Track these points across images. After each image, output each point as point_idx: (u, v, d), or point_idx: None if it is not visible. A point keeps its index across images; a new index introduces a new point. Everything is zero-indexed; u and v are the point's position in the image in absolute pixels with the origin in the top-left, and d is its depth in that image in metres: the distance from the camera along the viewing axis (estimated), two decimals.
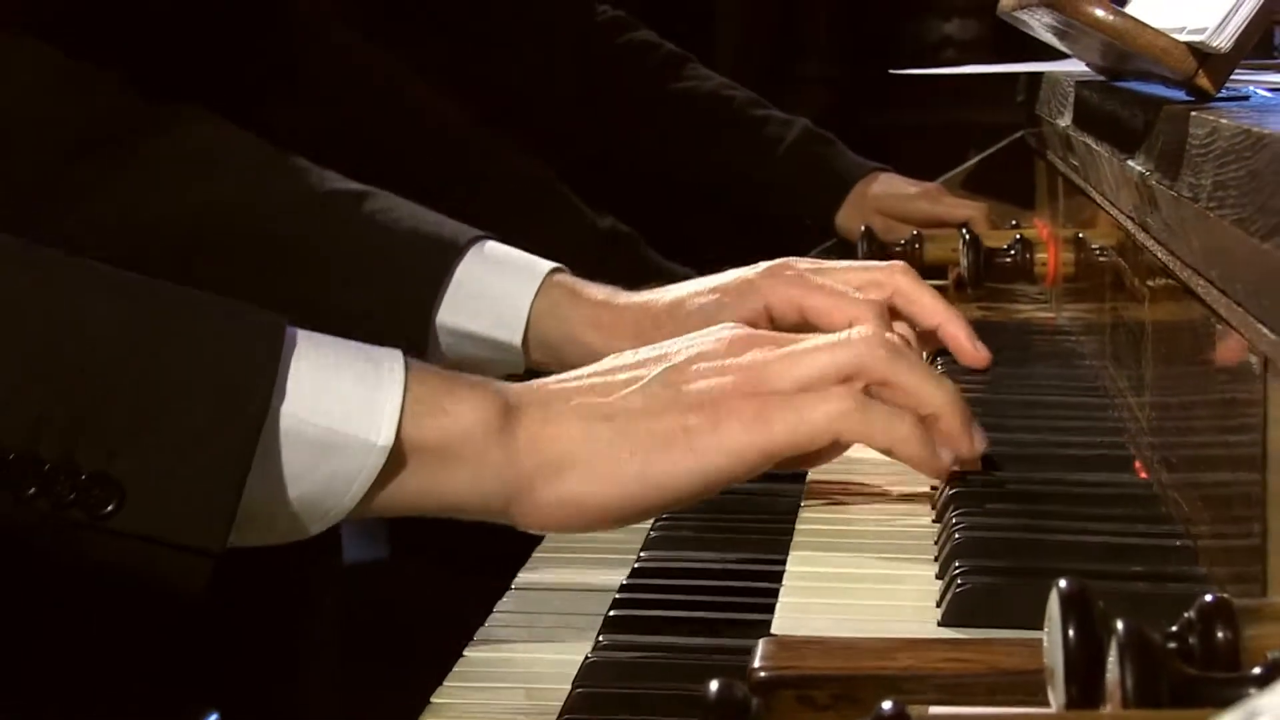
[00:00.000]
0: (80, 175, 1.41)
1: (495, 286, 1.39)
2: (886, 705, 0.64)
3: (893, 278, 1.37)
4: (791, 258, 1.40)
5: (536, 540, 1.32)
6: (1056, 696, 0.74)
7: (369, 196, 1.43)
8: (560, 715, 1.04)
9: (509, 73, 2.20)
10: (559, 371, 1.38)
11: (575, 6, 2.21)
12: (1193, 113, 0.94)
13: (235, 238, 1.43)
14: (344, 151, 1.90)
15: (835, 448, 1.08)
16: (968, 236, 1.86)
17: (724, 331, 1.08)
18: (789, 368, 1.04)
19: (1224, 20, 0.95)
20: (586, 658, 1.12)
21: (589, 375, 1.07)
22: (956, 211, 2.05)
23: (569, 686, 1.07)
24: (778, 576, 1.06)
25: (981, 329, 1.74)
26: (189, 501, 0.95)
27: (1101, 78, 1.47)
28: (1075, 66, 1.74)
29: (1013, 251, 1.84)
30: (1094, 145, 1.31)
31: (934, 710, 0.65)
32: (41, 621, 1.86)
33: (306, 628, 2.07)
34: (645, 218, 2.09)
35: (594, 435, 1.02)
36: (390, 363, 1.01)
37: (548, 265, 1.40)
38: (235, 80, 1.91)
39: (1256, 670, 0.68)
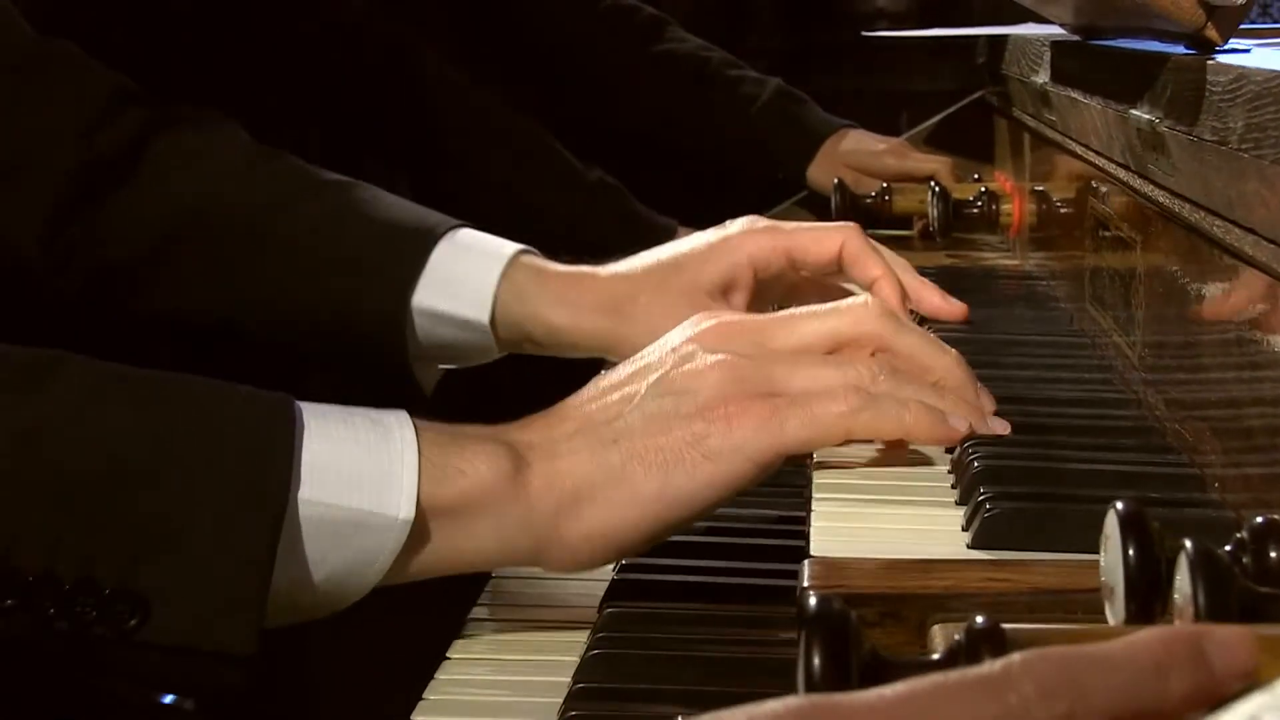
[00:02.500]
0: (94, 182, 1.36)
1: (464, 270, 1.31)
2: (979, 620, 0.62)
3: (848, 228, 1.31)
4: (754, 216, 1.34)
5: None
6: (1115, 613, 0.72)
7: (353, 188, 1.37)
8: (591, 636, 1.02)
9: (501, 36, 2.18)
10: (531, 353, 1.35)
11: None
12: (1210, 60, 0.92)
13: (221, 231, 1.36)
14: None
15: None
16: (937, 189, 1.85)
17: (695, 327, 1.02)
18: (793, 374, 0.99)
19: None
20: (613, 579, 1.10)
21: (582, 403, 1.00)
22: (923, 166, 2.03)
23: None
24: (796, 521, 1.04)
25: (953, 274, 1.73)
26: (215, 606, 0.88)
27: (1075, 37, 1.45)
28: (1034, 30, 1.73)
29: (979, 203, 1.83)
30: (1081, 99, 1.28)
31: (1020, 625, 0.63)
32: None
33: None
34: (627, 172, 2.07)
35: (604, 462, 0.96)
36: (400, 430, 0.94)
37: (514, 248, 1.32)
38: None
39: None
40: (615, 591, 1.07)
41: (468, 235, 1.34)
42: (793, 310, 1.06)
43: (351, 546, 0.92)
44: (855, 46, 3.49)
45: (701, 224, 2.06)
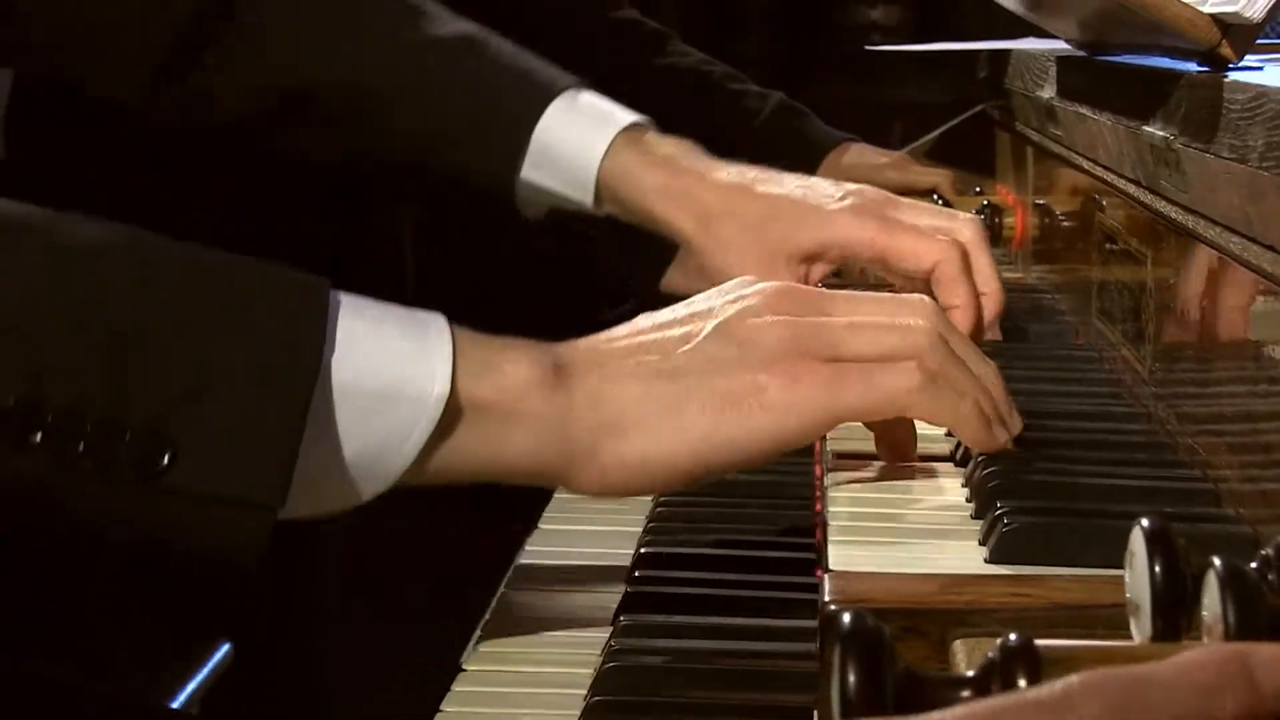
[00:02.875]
0: (194, 47, 1.37)
1: (569, 146, 1.38)
2: (1013, 637, 0.62)
3: (965, 230, 1.30)
4: (870, 188, 1.35)
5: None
6: (1141, 630, 0.72)
7: (469, 46, 1.42)
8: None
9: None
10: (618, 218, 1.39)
11: None
12: (1226, 78, 0.92)
13: (336, 93, 1.40)
14: None
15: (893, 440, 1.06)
16: (940, 202, 1.85)
17: (759, 286, 1.00)
18: (852, 337, 0.98)
19: None
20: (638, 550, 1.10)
21: (637, 334, 0.98)
22: (924, 179, 2.03)
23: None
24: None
25: None
26: (245, 454, 0.86)
27: (1080, 53, 1.44)
28: (1037, 45, 1.72)
29: (982, 216, 1.82)
30: (1089, 114, 1.28)
31: (1051, 642, 0.63)
32: (59, 559, 1.83)
33: (310, 565, 2.04)
34: None
35: (657, 394, 0.94)
36: (436, 322, 0.93)
37: (625, 120, 1.39)
38: None
39: None
40: (629, 603, 1.07)
41: (578, 101, 1.40)
42: (857, 300, 1.03)
43: (383, 420, 0.89)
44: (848, 58, 3.50)
45: None
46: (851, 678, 0.59)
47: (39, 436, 0.83)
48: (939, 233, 1.28)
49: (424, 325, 0.92)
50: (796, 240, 1.31)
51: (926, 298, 1.03)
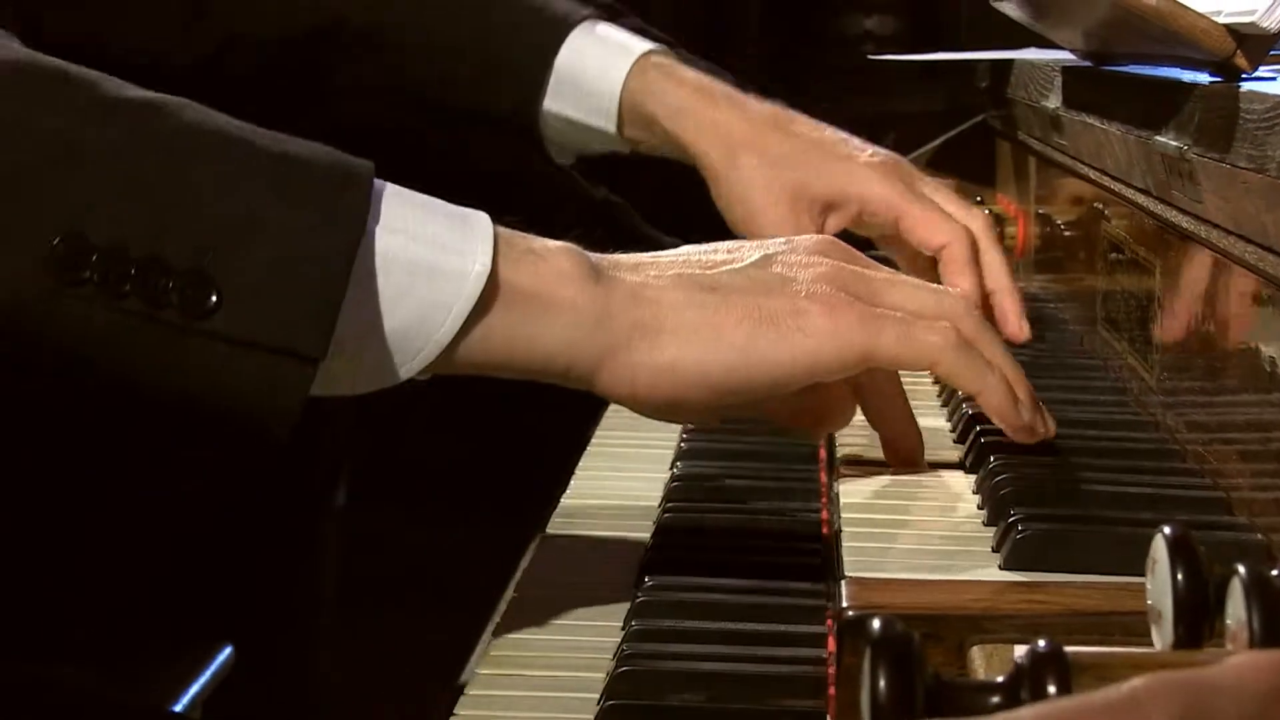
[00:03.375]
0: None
1: (591, 73, 1.38)
2: (1042, 643, 0.61)
3: (977, 221, 1.31)
4: (900, 157, 1.37)
5: (508, 486, 1.29)
6: (1163, 636, 0.71)
7: None
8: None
9: None
10: (645, 151, 1.40)
11: None
12: (1242, 89, 0.91)
13: (360, 27, 1.41)
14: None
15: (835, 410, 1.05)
16: None
17: (811, 240, 1.01)
18: (889, 288, 0.98)
19: (1275, 3, 0.92)
20: (636, 597, 1.09)
21: (681, 255, 0.98)
22: None
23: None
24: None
25: None
26: (289, 303, 0.85)
27: (1085, 63, 1.44)
28: (1039, 55, 1.72)
29: None
30: (1096, 124, 1.28)
31: (1081, 649, 0.62)
32: (64, 559, 1.82)
33: (312, 569, 2.03)
34: (627, 190, 2.06)
35: (697, 302, 0.93)
36: (478, 213, 0.92)
37: (644, 47, 1.38)
38: None
39: None
40: (640, 609, 1.06)
41: (596, 30, 1.40)
42: (893, 277, 1.03)
43: (423, 292, 0.89)
44: (842, 68, 3.50)
45: (700, 237, 2.06)
46: (883, 683, 0.59)
47: (85, 273, 0.83)
48: (955, 216, 1.29)
49: (466, 213, 0.92)
50: (820, 186, 1.31)
51: (959, 242, 1.05)
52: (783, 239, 1.00)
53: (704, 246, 0.99)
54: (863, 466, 1.09)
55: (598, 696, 0.95)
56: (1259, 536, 0.89)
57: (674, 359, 0.93)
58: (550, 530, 1.25)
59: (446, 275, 0.89)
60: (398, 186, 0.91)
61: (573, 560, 1.21)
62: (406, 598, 1.78)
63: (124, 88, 0.89)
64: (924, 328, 0.97)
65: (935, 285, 1.02)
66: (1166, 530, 0.71)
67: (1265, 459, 0.91)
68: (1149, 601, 0.73)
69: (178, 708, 1.71)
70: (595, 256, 0.95)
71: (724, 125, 1.34)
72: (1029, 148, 1.71)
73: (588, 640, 1.05)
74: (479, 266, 0.89)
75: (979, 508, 1.00)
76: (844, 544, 0.95)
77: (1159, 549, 0.71)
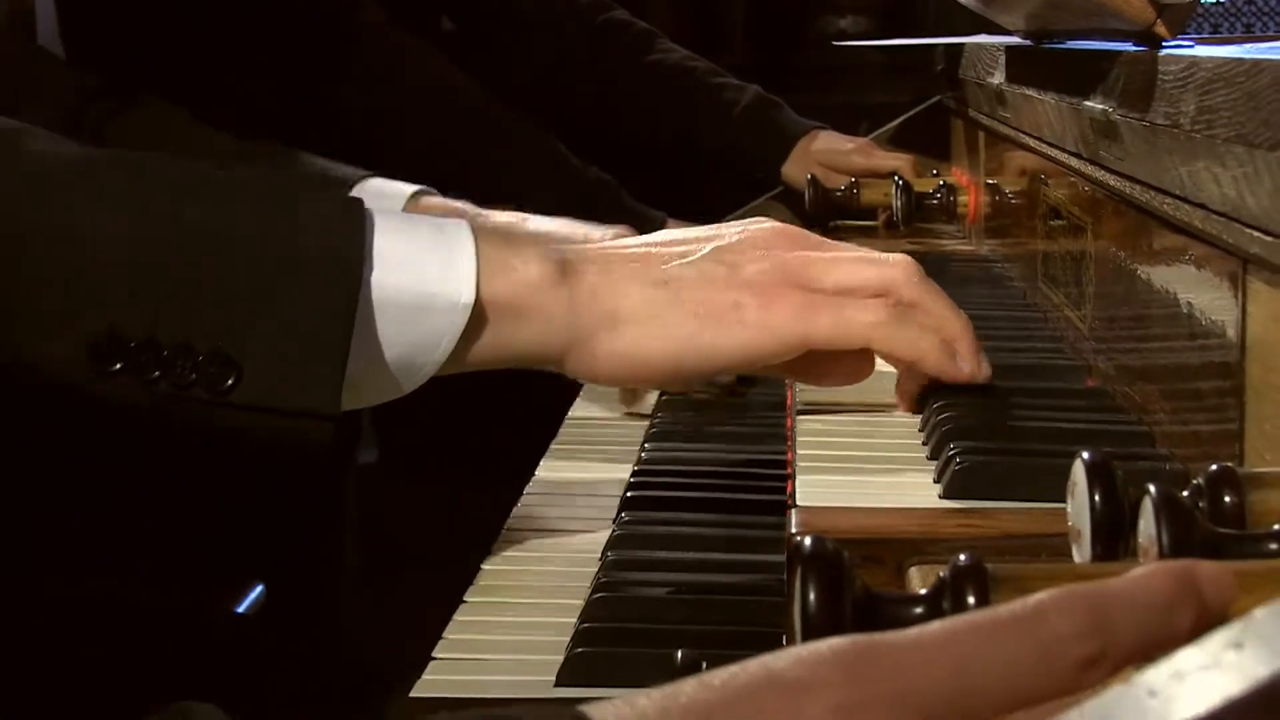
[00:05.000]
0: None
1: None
2: (963, 557, 0.59)
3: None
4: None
5: (519, 446, 1.26)
6: (1082, 554, 0.69)
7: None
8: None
9: (512, 47, 2.15)
10: None
11: None
12: (1160, 53, 0.89)
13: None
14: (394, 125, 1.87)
15: (851, 367, 1.01)
16: (900, 182, 1.83)
17: (767, 223, 1.00)
18: (832, 269, 0.96)
19: None
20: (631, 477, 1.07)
21: (645, 245, 0.99)
22: (887, 162, 2.00)
23: None
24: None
25: (915, 259, 1.70)
26: (302, 370, 0.88)
27: (1027, 42, 1.41)
28: (989, 40, 1.69)
29: (939, 195, 1.80)
30: (1035, 95, 1.25)
31: (1000, 564, 0.60)
32: (98, 504, 1.80)
33: (334, 514, 2.02)
34: (620, 169, 2.04)
35: (651, 297, 0.95)
36: (456, 230, 0.94)
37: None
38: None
39: (1276, 528, 0.63)
40: (616, 542, 1.04)
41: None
42: (837, 253, 0.99)
43: (418, 327, 0.91)
44: (820, 65, 3.47)
45: (687, 216, 2.04)
46: (812, 597, 0.56)
47: (120, 365, 0.86)
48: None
49: (446, 234, 0.93)
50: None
51: (908, 256, 1.01)
52: (738, 226, 1.00)
53: (673, 234, 0.99)
54: (820, 411, 1.07)
55: (575, 619, 0.93)
56: (1179, 466, 0.87)
57: (629, 348, 0.95)
58: (539, 474, 1.23)
59: (438, 310, 0.91)
60: (383, 216, 0.92)
61: (561, 500, 1.19)
62: (426, 544, 1.76)
63: (149, 173, 0.91)
64: (857, 308, 0.96)
65: (877, 255, 0.99)
66: (1085, 456, 0.69)
67: (1184, 397, 0.89)
68: (1070, 522, 0.70)
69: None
70: (564, 252, 0.96)
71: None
72: (979, 123, 1.68)
73: (569, 570, 1.03)
74: (465, 299, 0.91)
75: (923, 444, 0.97)
76: (797, 477, 0.92)
77: (1078, 473, 0.69)
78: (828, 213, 1.98)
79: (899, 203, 1.81)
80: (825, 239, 1.01)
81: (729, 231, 0.99)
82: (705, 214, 2.14)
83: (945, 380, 1.00)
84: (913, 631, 0.48)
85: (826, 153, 2.04)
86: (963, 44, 1.77)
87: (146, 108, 1.41)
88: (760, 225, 0.99)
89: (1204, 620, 0.47)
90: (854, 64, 3.21)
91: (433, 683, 0.90)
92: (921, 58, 2.14)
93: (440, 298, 0.91)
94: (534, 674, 0.89)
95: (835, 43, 2.35)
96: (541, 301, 0.94)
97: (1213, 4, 2.50)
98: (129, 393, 0.86)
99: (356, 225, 0.90)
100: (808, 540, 0.58)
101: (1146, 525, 0.63)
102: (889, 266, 0.98)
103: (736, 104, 2.08)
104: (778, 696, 0.46)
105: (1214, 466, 0.68)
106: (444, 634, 0.95)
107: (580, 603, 0.95)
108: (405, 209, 1.26)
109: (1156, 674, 0.39)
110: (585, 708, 0.46)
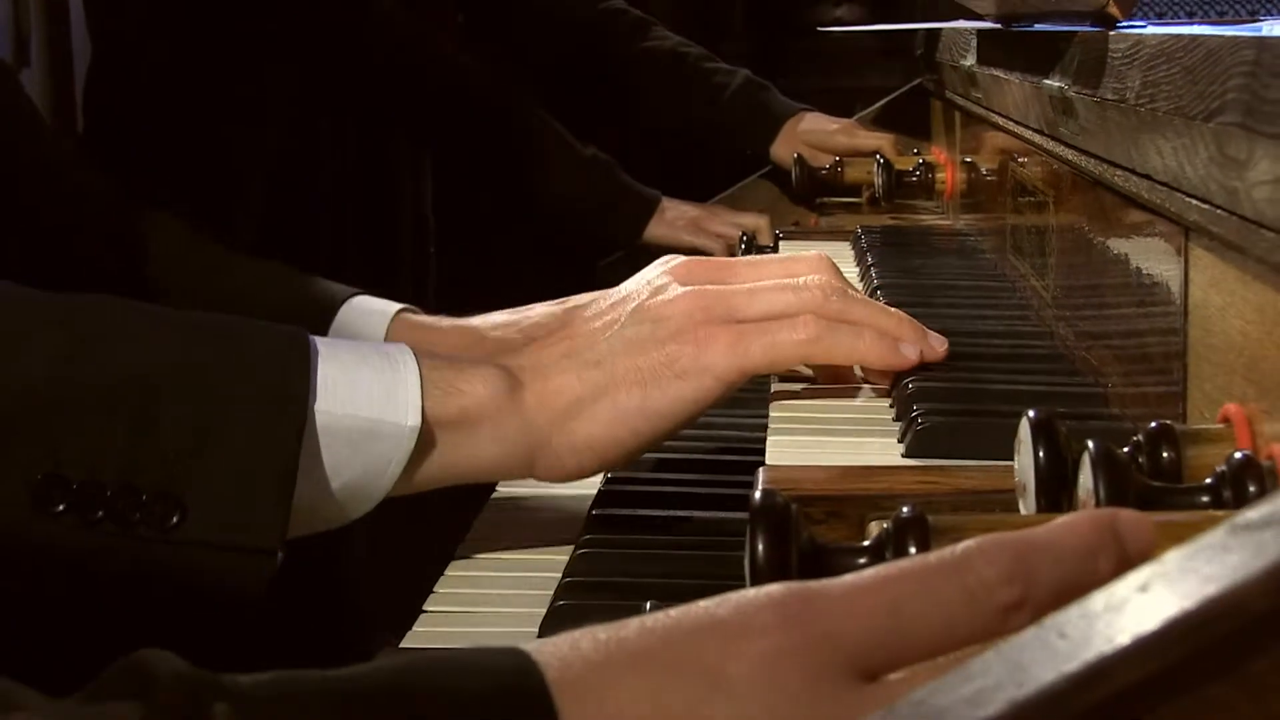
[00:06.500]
0: None
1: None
2: (905, 510, 0.59)
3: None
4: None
5: None
6: (1028, 507, 0.69)
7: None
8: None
9: (514, 34, 2.15)
10: None
11: None
12: (1111, 31, 0.88)
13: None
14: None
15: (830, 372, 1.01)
16: (881, 161, 1.82)
17: (667, 264, 0.98)
18: (752, 301, 0.94)
19: None
20: (599, 489, 1.06)
21: (570, 330, 0.96)
22: (869, 142, 1.99)
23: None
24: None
25: (896, 232, 1.70)
26: (246, 506, 0.83)
27: (997, 25, 1.41)
28: (965, 24, 1.68)
29: (918, 173, 1.80)
30: (1002, 75, 1.24)
31: (941, 516, 0.60)
32: None
33: None
34: (616, 148, 2.04)
35: (590, 381, 0.92)
36: (400, 355, 0.90)
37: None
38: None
39: (1207, 481, 0.63)
40: (601, 500, 1.04)
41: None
42: (759, 262, 0.99)
43: (365, 454, 0.87)
44: (818, 49, 3.46)
45: (680, 194, 2.04)
46: (760, 547, 0.56)
47: (63, 507, 0.81)
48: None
49: (391, 360, 0.89)
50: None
51: (823, 254, 0.99)
52: (647, 277, 0.97)
53: (591, 309, 0.97)
54: (795, 389, 1.07)
55: (559, 574, 0.93)
56: (1129, 425, 0.87)
57: (587, 438, 0.92)
58: None
59: (383, 436, 0.87)
60: (328, 344, 0.88)
61: None
62: (438, 506, 1.75)
63: (86, 314, 0.85)
64: (786, 329, 0.93)
65: (789, 281, 0.96)
66: (1031, 414, 0.69)
67: (1134, 360, 0.88)
68: (1016, 477, 0.70)
69: None
70: (504, 367, 0.93)
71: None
72: (954, 104, 1.68)
73: (556, 528, 1.03)
74: (411, 422, 0.88)
75: (890, 407, 0.97)
76: (769, 438, 0.92)
77: (1024, 430, 0.69)
78: (814, 190, 1.97)
79: (880, 180, 1.81)
80: (734, 261, 0.99)
81: (640, 284, 0.96)
82: (698, 192, 2.16)
83: (898, 369, 0.98)
84: (847, 578, 0.48)
85: (812, 133, 2.04)
86: (940, 29, 1.76)
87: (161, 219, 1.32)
88: (669, 268, 0.96)
89: (1124, 566, 0.47)
90: (850, 49, 3.20)
91: (422, 634, 0.90)
92: (911, 42, 2.14)
93: (386, 423, 0.87)
94: (519, 625, 0.89)
95: (820, 29, 2.33)
96: (490, 417, 0.90)
97: None
98: (73, 536, 0.81)
99: (301, 358, 0.86)
100: (757, 494, 0.58)
101: (1085, 479, 0.63)
102: (805, 290, 0.95)
103: (727, 87, 2.08)
104: (716, 639, 0.46)
105: (1153, 424, 0.68)
106: (434, 588, 0.95)
107: (566, 558, 0.95)
108: (390, 327, 1.13)
109: (1066, 616, 0.39)
110: (528, 646, 0.46)
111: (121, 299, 0.87)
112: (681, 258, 0.98)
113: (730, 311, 0.94)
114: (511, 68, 2.06)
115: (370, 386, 0.88)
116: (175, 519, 0.82)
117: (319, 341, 0.88)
